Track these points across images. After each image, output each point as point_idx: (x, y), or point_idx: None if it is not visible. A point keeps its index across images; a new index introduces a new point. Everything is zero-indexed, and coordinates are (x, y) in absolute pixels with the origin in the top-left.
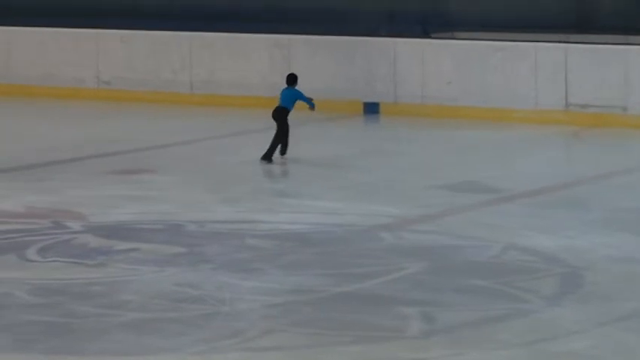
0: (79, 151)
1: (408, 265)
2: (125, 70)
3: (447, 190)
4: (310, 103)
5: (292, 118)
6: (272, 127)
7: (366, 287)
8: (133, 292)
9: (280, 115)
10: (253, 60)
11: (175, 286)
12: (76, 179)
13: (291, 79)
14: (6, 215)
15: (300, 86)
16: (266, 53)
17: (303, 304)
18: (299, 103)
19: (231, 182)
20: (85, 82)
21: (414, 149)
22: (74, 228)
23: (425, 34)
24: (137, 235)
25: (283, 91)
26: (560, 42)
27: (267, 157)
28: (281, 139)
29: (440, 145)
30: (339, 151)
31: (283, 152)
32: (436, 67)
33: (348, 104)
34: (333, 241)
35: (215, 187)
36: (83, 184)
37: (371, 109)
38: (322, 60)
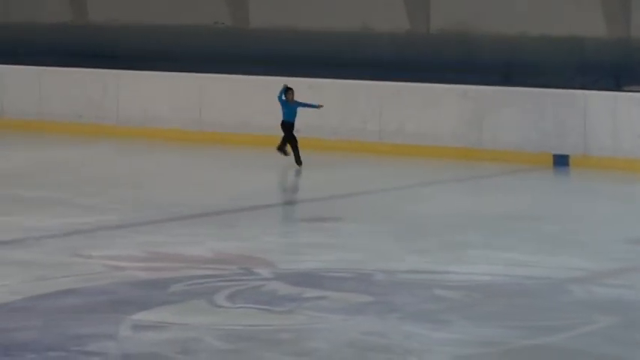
0: (269, 198)
1: (598, 319)
2: (315, 118)
3: (637, 244)
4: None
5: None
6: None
7: (555, 340)
8: (321, 340)
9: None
10: (442, 110)
11: (363, 335)
12: (266, 226)
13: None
14: (196, 261)
15: (488, 136)
16: (455, 104)
17: (492, 356)
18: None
19: (420, 232)
20: (276, 130)
21: (604, 202)
22: (263, 275)
23: (617, 87)
24: (326, 283)
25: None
26: None
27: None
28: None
29: (631, 199)
30: (528, 202)
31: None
32: (628, 119)
33: (538, 156)
34: (522, 293)
35: (403, 236)
36: (272, 231)
37: (561, 161)
38: (512, 111)
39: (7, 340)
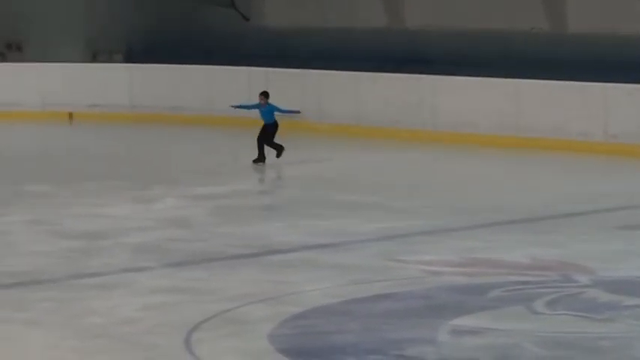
0: (585, 204)
1: None
2: (633, 124)
3: None
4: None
5: None
6: None
7: None
8: None
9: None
10: None
11: None
12: (582, 233)
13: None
14: (513, 267)
15: None
16: None
17: None
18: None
19: None
20: (592, 136)
21: None
22: (582, 282)
23: None
24: None
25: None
26: None
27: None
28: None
29: None
30: None
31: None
32: None
33: None
34: None
35: None
36: (589, 238)
37: None
38: None
39: (326, 342)
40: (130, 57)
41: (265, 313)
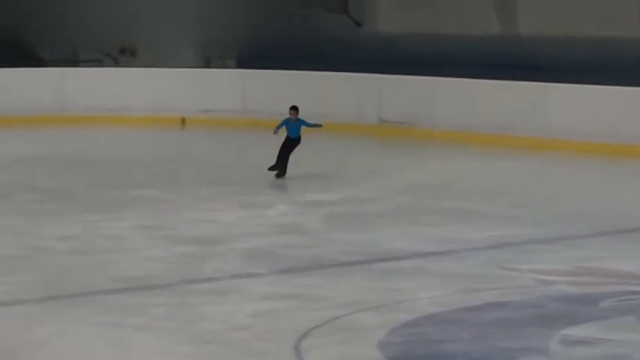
0: None
1: None
2: None
3: None
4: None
5: None
6: None
7: None
8: None
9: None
10: None
11: None
12: None
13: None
14: (625, 276)
15: None
16: None
17: None
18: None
19: None
20: None
21: None
22: None
23: None
24: None
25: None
26: None
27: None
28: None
29: None
30: None
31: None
32: None
33: None
34: None
35: None
36: None
37: None
38: None
39: (437, 351)
40: (242, 62)
41: (376, 320)
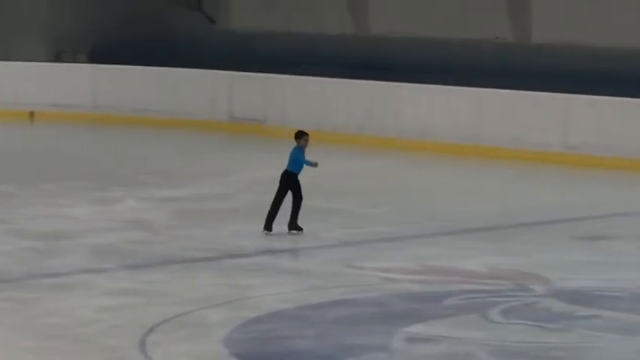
0: (543, 214)
1: None
2: (592, 135)
3: None
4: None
5: None
6: None
7: None
8: (593, 358)
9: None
10: None
11: (637, 355)
12: (540, 242)
13: (297, 135)
14: (469, 275)
15: None
16: None
17: None
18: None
19: None
20: (551, 146)
21: None
22: (538, 291)
23: None
24: (599, 301)
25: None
26: None
27: (292, 225)
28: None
29: None
30: None
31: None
32: None
33: None
34: None
35: None
36: (546, 248)
37: None
38: None
39: (282, 348)
40: (94, 57)
41: (222, 316)
